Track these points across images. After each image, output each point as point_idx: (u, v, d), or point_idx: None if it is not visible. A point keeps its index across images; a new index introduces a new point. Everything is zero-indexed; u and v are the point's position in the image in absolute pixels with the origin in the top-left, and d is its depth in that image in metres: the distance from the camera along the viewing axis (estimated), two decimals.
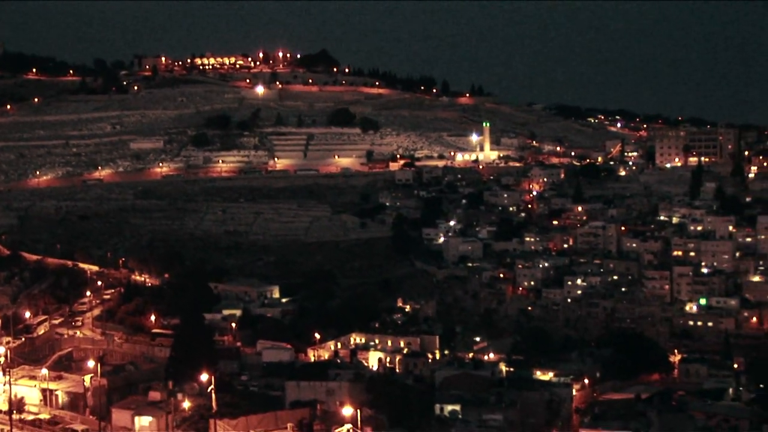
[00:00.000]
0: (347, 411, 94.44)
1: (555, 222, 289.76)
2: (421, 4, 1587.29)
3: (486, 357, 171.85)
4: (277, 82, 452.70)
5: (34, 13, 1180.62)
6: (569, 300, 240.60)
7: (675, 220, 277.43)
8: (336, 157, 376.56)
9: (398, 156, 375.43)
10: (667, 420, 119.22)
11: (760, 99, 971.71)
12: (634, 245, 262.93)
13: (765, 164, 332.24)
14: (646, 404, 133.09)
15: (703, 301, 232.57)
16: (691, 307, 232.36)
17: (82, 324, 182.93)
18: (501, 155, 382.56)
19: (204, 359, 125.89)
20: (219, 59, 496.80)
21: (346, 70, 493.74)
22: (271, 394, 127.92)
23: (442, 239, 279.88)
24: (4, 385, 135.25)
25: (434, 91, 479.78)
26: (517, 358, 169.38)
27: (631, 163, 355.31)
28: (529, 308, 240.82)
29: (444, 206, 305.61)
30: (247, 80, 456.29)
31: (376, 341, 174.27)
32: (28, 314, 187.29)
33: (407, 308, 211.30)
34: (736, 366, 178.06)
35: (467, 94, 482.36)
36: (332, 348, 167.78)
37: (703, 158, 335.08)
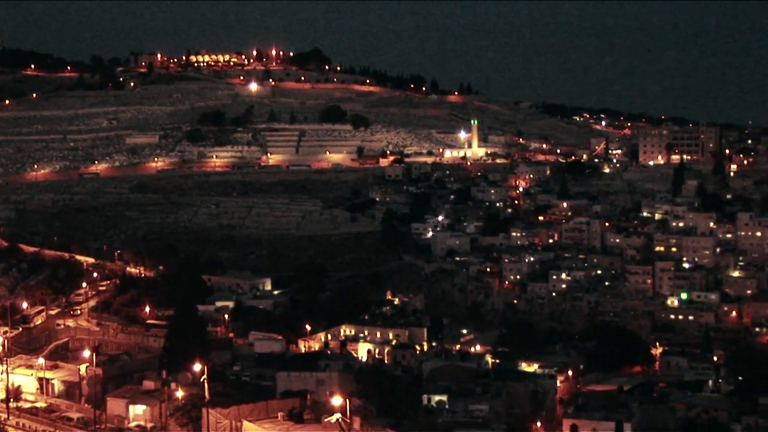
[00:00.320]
0: (337, 401, 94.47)
1: (541, 217, 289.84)
2: (412, 5, 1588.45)
3: (472, 349, 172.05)
4: (270, 80, 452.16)
5: (34, 10, 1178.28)
6: (554, 294, 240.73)
7: (657, 216, 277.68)
8: (327, 153, 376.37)
9: (388, 152, 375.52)
10: (648, 411, 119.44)
11: (741, 99, 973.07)
12: (617, 241, 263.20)
13: (745, 162, 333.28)
14: (628, 395, 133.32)
15: (684, 296, 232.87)
16: (673, 302, 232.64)
17: (81, 313, 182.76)
18: (488, 152, 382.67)
19: (197, 350, 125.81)
20: (213, 57, 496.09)
21: (338, 68, 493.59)
22: (263, 384, 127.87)
23: (430, 234, 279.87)
24: (2, 374, 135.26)
25: (424, 89, 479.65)
26: (502, 350, 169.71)
27: (615, 160, 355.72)
28: (515, 301, 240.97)
29: (432, 201, 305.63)
30: (241, 77, 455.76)
31: (366, 333, 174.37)
32: (25, 305, 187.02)
33: (396, 301, 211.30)
34: (715, 359, 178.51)
35: (456, 93, 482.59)
36: (322, 339, 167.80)
37: (685, 156, 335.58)
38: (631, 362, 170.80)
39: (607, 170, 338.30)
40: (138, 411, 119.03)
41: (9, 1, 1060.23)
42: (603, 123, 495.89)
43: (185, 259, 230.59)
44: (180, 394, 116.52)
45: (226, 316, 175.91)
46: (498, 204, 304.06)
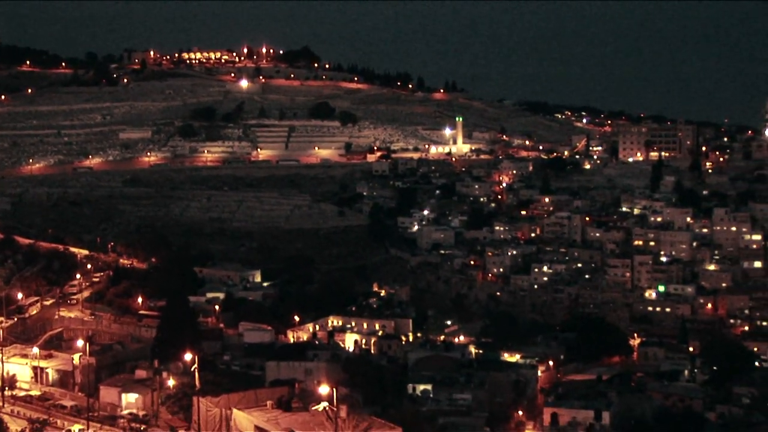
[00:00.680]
0: (324, 390, 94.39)
1: (523, 212, 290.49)
2: (399, 4, 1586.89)
3: (456, 340, 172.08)
4: (261, 77, 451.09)
5: (29, 7, 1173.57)
6: (536, 286, 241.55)
7: (636, 211, 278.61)
8: (316, 148, 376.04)
9: (375, 148, 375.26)
10: (626, 400, 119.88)
11: (718, 98, 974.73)
12: (597, 235, 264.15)
13: (721, 159, 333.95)
14: (606, 385, 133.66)
15: (661, 288, 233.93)
16: (651, 294, 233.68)
17: (77, 302, 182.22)
18: (473, 148, 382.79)
19: (188, 340, 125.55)
20: (205, 54, 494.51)
21: (327, 66, 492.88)
22: (252, 374, 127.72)
23: (416, 227, 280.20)
24: None
25: (410, 86, 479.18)
26: (485, 341, 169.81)
27: (595, 157, 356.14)
28: (498, 294, 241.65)
29: (418, 196, 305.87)
30: (232, 74, 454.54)
31: (353, 324, 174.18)
32: (20, 295, 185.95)
33: (382, 293, 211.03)
34: (691, 349, 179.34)
35: (441, 90, 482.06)
36: (311, 330, 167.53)
37: (663, 153, 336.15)
38: (610, 353, 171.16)
39: (587, 166, 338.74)
40: (130, 399, 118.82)
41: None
42: (584, 120, 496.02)
43: (177, 252, 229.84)
44: (171, 382, 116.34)
45: (217, 307, 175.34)
46: (482, 199, 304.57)
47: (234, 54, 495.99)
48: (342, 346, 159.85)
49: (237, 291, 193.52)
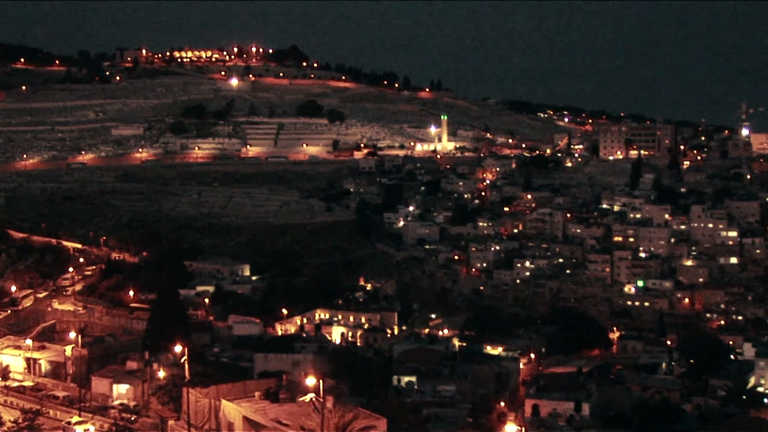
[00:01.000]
0: (311, 381, 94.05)
1: (506, 208, 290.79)
2: (386, 5, 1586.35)
3: (440, 332, 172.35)
4: (250, 75, 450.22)
5: (24, 6, 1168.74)
6: (518, 281, 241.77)
7: (616, 208, 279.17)
8: (304, 145, 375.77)
9: (362, 145, 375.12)
10: (605, 391, 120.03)
11: (695, 98, 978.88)
12: (578, 231, 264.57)
13: (698, 158, 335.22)
14: (586, 377, 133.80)
15: (640, 283, 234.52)
16: (630, 289, 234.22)
17: (72, 293, 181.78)
18: (457, 146, 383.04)
19: (178, 332, 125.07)
20: (196, 53, 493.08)
21: (315, 65, 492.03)
22: (241, 365, 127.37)
23: (401, 223, 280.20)
24: None
25: (396, 85, 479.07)
26: (469, 334, 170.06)
27: (576, 155, 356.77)
28: (481, 288, 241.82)
29: (404, 193, 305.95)
30: (222, 73, 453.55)
31: (339, 317, 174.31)
32: (14, 288, 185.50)
33: (368, 287, 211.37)
34: (669, 343, 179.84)
35: (427, 89, 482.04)
36: (298, 323, 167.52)
37: (642, 152, 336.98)
38: (590, 346, 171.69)
39: (569, 164, 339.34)
40: (121, 390, 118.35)
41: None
42: (566, 119, 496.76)
43: (168, 246, 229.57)
44: (162, 374, 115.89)
45: (207, 300, 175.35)
46: (466, 195, 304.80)
47: (224, 53, 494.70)
48: (329, 338, 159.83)
49: (226, 284, 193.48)
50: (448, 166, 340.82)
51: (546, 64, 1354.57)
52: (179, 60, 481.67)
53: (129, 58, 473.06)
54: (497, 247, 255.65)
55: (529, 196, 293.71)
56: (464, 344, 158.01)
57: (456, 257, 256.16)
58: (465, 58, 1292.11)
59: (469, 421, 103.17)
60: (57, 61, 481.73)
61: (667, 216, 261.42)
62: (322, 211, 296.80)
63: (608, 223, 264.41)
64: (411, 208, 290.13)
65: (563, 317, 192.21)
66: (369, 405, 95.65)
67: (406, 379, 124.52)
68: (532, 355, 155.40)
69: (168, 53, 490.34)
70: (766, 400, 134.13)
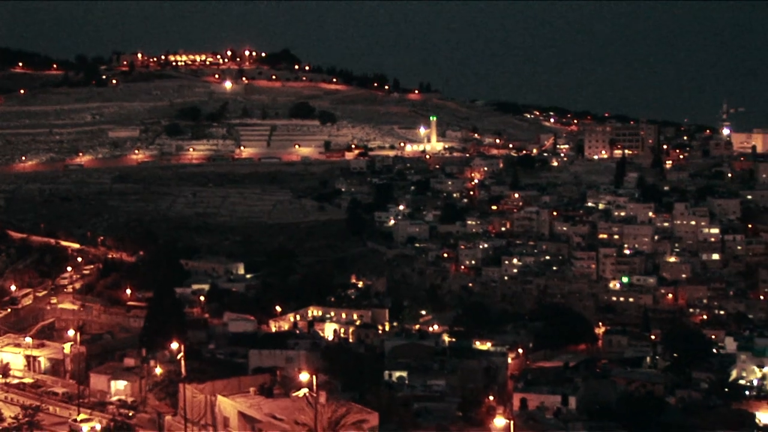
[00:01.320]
0: (304, 377, 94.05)
1: (494, 207, 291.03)
2: (376, 10, 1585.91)
3: (431, 328, 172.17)
4: (244, 78, 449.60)
5: (21, 11, 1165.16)
6: (506, 277, 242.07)
7: (601, 206, 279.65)
8: (297, 146, 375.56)
9: (353, 146, 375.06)
10: (591, 385, 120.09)
11: (678, 99, 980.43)
12: (564, 229, 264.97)
13: (681, 157, 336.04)
14: (573, 371, 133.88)
15: (625, 279, 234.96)
16: (615, 285, 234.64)
17: (73, 290, 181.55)
18: (446, 146, 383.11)
19: (175, 329, 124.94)
20: (190, 56, 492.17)
21: (307, 68, 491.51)
22: (236, 361, 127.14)
23: (392, 222, 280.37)
24: None
25: (386, 87, 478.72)
26: (458, 330, 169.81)
27: (562, 154, 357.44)
28: (470, 285, 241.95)
29: (394, 192, 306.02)
30: (216, 76, 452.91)
31: (332, 314, 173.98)
32: (13, 287, 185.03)
33: (360, 284, 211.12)
34: (653, 337, 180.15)
35: (416, 91, 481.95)
36: (292, 320, 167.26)
37: (626, 151, 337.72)
38: (576, 341, 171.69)
39: (555, 164, 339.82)
40: (119, 386, 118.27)
41: None
42: (551, 120, 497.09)
43: (164, 245, 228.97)
44: (159, 370, 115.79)
45: (202, 298, 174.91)
46: (455, 195, 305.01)
47: (218, 56, 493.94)
48: (321, 335, 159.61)
49: (221, 283, 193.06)
50: (437, 166, 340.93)
51: (532, 65, 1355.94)
52: (174, 63, 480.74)
53: (125, 62, 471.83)
54: (485, 245, 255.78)
55: (517, 195, 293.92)
56: (454, 340, 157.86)
57: (445, 255, 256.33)
58: (454, 60, 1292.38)
59: (459, 414, 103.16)
60: (54, 65, 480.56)
61: (650, 214, 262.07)
62: (315, 211, 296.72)
63: (593, 221, 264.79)
64: (401, 207, 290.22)
65: (550, 313, 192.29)
66: (361, 400, 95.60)
67: (397, 374, 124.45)
68: (520, 350, 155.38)
69: (163, 57, 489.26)
70: (747, 393, 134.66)
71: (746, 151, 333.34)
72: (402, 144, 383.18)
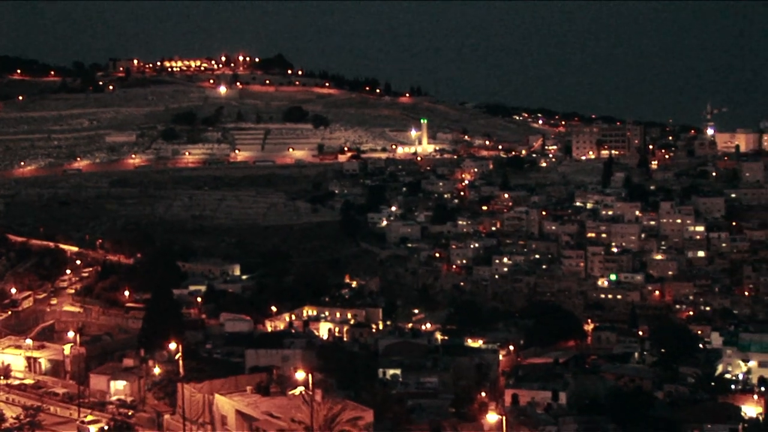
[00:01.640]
0: (300, 375, 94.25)
1: (484, 207, 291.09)
2: (366, 15, 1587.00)
3: (423, 327, 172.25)
4: (238, 83, 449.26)
5: (19, 19, 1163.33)
6: (497, 276, 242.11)
7: (589, 205, 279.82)
8: (290, 149, 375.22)
9: (346, 149, 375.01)
10: (581, 380, 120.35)
11: (663, 100, 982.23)
12: (553, 228, 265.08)
13: (666, 157, 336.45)
14: (563, 367, 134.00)
15: (613, 277, 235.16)
16: (603, 282, 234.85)
17: (72, 293, 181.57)
18: (437, 148, 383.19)
19: (172, 330, 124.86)
20: (186, 62, 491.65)
21: (300, 72, 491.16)
22: (233, 361, 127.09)
23: (384, 223, 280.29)
24: None
25: (378, 91, 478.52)
26: (450, 328, 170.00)
27: (550, 155, 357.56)
28: (462, 284, 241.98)
29: (387, 193, 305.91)
30: (211, 81, 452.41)
31: (326, 313, 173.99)
32: (14, 290, 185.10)
33: (354, 284, 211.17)
34: (641, 333, 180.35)
35: (407, 94, 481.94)
36: (287, 319, 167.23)
37: (613, 151, 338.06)
38: (566, 337, 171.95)
39: (543, 164, 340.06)
40: (119, 386, 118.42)
41: None
42: (540, 121, 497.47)
43: (161, 248, 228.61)
44: (157, 370, 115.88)
45: (199, 299, 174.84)
46: (446, 195, 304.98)
47: (213, 62, 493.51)
48: (316, 334, 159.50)
49: (218, 284, 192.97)
50: (428, 168, 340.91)
51: (520, 68, 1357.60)
52: (169, 69, 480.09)
53: (121, 68, 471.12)
54: (476, 245, 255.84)
55: (506, 195, 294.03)
56: (446, 338, 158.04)
57: (437, 255, 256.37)
58: (443, 64, 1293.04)
59: (452, 411, 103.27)
60: (52, 72, 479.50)
61: (637, 212, 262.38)
62: (309, 213, 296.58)
63: (582, 220, 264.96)
64: (393, 209, 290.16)
65: (540, 310, 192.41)
66: (356, 397, 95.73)
67: (391, 371, 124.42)
68: (511, 347, 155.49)
69: (159, 63, 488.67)
70: (733, 386, 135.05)
71: (730, 150, 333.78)
72: (394, 146, 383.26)
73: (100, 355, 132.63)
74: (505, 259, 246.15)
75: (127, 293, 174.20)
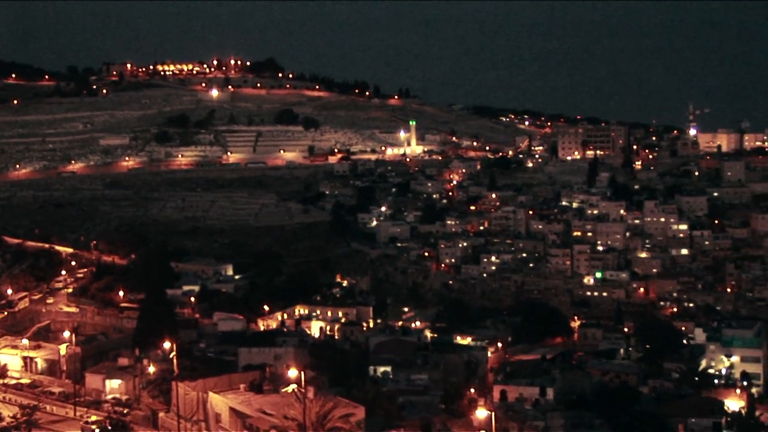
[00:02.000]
0: (293, 373, 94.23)
1: (472, 207, 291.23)
2: (356, 19, 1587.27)
3: (413, 325, 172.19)
4: (230, 86, 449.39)
5: (14, 24, 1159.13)
6: (485, 275, 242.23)
7: (575, 205, 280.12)
8: (282, 151, 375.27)
9: (336, 150, 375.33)
10: (568, 376, 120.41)
11: (647, 101, 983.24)
12: (540, 227, 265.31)
13: (650, 157, 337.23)
14: (550, 363, 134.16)
15: (598, 275, 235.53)
16: (589, 280, 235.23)
17: (68, 293, 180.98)
18: (426, 149, 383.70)
19: (166, 329, 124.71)
20: (178, 66, 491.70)
21: (290, 76, 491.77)
22: (226, 359, 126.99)
23: (374, 223, 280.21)
24: None
25: (367, 93, 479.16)
26: (440, 326, 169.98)
27: (537, 156, 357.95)
28: (451, 282, 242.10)
29: (376, 194, 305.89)
30: (203, 84, 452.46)
31: (318, 312, 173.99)
32: (10, 291, 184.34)
33: (344, 283, 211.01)
34: (626, 330, 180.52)
35: (396, 97, 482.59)
36: (279, 318, 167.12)
37: (598, 152, 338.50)
38: (553, 334, 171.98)
39: (530, 165, 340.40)
40: (114, 385, 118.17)
41: None
42: (526, 123, 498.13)
43: (155, 249, 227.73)
44: (152, 369, 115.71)
45: (193, 298, 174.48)
46: (434, 196, 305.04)
47: (205, 66, 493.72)
48: (308, 332, 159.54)
49: (211, 284, 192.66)
50: (417, 169, 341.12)
51: (507, 70, 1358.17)
52: (162, 73, 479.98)
53: (115, 72, 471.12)
54: (464, 244, 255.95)
55: (494, 195, 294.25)
56: (435, 335, 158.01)
57: (426, 254, 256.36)
58: (431, 67, 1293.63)
59: (442, 407, 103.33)
60: (47, 76, 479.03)
61: (622, 211, 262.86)
62: (300, 213, 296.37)
63: (568, 219, 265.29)
64: (383, 209, 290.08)
65: (527, 308, 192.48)
66: (348, 394, 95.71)
67: (382, 369, 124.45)
68: (500, 344, 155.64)
69: (151, 67, 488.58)
70: (716, 381, 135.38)
71: (712, 150, 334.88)
72: (383, 148, 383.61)
73: (95, 355, 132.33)
74: (493, 258, 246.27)
75: (121, 293, 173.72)
